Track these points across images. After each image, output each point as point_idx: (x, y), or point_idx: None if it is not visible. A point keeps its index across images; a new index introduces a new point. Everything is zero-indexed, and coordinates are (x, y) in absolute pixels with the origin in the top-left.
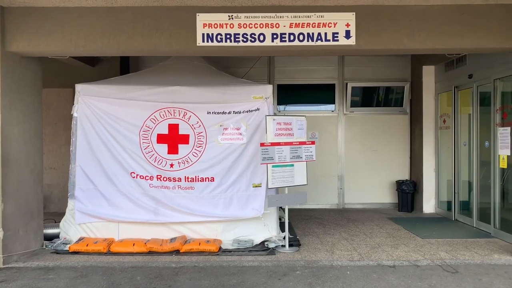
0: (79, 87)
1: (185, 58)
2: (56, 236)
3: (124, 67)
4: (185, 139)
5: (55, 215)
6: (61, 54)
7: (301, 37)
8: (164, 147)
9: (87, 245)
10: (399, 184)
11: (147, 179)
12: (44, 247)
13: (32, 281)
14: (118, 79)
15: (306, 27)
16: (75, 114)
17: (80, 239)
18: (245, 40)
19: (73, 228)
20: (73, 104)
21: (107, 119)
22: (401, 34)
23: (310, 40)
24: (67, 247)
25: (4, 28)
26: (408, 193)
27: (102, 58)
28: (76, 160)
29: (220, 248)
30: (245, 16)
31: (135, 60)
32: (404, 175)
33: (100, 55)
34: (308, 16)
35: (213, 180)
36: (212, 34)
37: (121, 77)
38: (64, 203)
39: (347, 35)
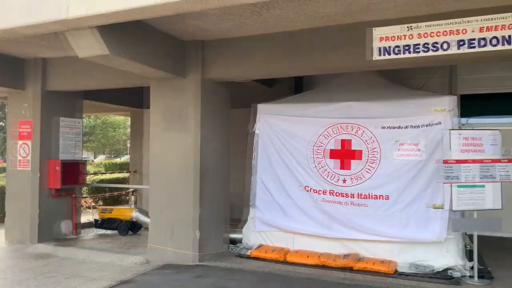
0: (260, 106)
1: (357, 73)
2: (238, 240)
3: (298, 87)
4: (358, 154)
5: (236, 222)
6: (246, 77)
7: (494, 41)
8: (336, 163)
9: (265, 252)
10: None
11: (320, 193)
12: (229, 249)
13: (221, 280)
14: (294, 97)
15: (501, 29)
16: (256, 131)
17: (259, 246)
18: (426, 50)
19: (253, 235)
20: (251, 122)
21: (283, 135)
22: None
23: (506, 43)
24: (248, 252)
25: (204, 59)
26: None
27: (278, 79)
28: (257, 172)
29: (396, 270)
30: (425, 25)
31: (309, 79)
32: None
33: (280, 76)
34: (503, 18)
35: (388, 198)
36: (389, 47)
37: (297, 96)
38: (243, 210)
39: None
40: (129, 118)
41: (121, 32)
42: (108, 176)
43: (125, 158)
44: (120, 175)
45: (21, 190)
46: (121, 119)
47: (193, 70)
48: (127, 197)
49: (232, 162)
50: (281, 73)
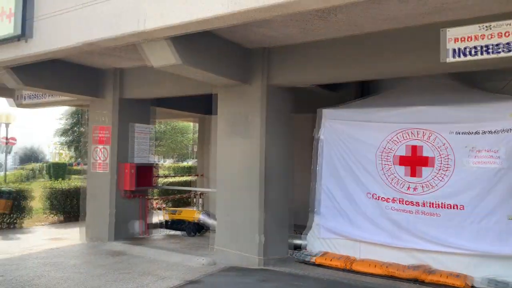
0: (324, 111)
1: (427, 77)
2: (301, 246)
3: (363, 91)
4: (429, 161)
5: (300, 228)
6: (311, 83)
7: None
8: (404, 169)
9: (330, 260)
10: None
11: (388, 201)
12: (293, 255)
13: (285, 285)
14: (359, 102)
15: None
16: (321, 137)
17: (324, 253)
18: (507, 50)
19: (317, 242)
20: (316, 127)
21: (349, 140)
22: None
23: None
24: (313, 259)
25: (269, 66)
26: None
27: (343, 84)
28: (321, 178)
29: (472, 286)
30: (506, 24)
31: (374, 83)
32: None
33: (344, 81)
34: None
35: (463, 208)
36: (465, 48)
37: (362, 100)
38: (306, 217)
39: None
40: (196, 124)
41: (191, 42)
42: (176, 179)
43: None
44: (188, 179)
45: (100, 191)
46: (188, 125)
47: (258, 77)
48: (194, 200)
49: (295, 167)
50: (347, 77)
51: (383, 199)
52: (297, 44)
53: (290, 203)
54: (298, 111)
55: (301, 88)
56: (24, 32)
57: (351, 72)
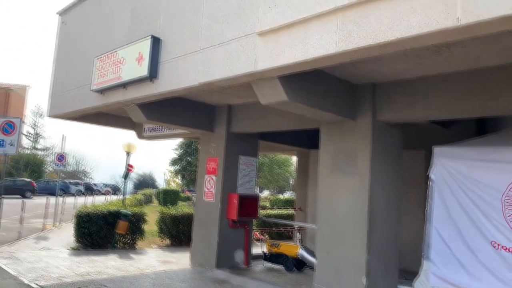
0: (436, 149)
1: None
2: None
3: (480, 128)
4: None
5: (405, 272)
6: (421, 119)
7: None
8: None
9: None
10: None
11: None
12: None
13: None
14: (477, 140)
15: None
16: (432, 176)
17: None
18: None
19: None
20: (430, 166)
21: (464, 181)
22: None
23: None
24: None
25: (375, 101)
26: None
27: (457, 120)
28: (432, 221)
29: None
30: None
31: (493, 120)
32: None
33: (461, 118)
34: None
35: None
36: None
37: (480, 138)
38: (414, 261)
39: None
40: (293, 156)
41: (298, 80)
42: (274, 211)
43: (287, 195)
44: (285, 212)
45: (206, 219)
46: (285, 157)
47: (364, 113)
48: (290, 233)
49: (404, 207)
50: (462, 114)
51: (506, 249)
52: (405, 80)
53: (397, 245)
54: (407, 147)
55: (410, 123)
56: (153, 74)
57: (467, 109)
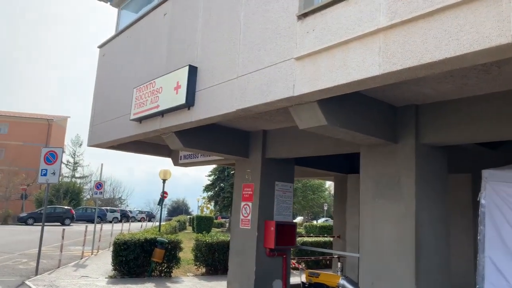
0: (485, 172)
1: None
2: None
3: None
4: None
5: None
6: (467, 141)
7: None
8: None
9: None
10: None
11: None
12: None
13: None
14: None
15: None
16: (482, 201)
17: None
18: None
19: None
20: (480, 190)
21: None
22: None
23: None
24: None
25: (418, 124)
26: None
27: (504, 141)
28: (484, 250)
29: None
30: None
31: None
32: None
33: (508, 139)
34: None
35: None
36: None
37: None
38: None
39: None
40: (327, 182)
41: (337, 103)
42: (310, 239)
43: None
44: (322, 239)
45: (242, 247)
46: (319, 182)
47: (406, 135)
48: (328, 262)
49: (453, 234)
50: (508, 135)
51: None
52: (450, 101)
53: (447, 275)
54: (452, 171)
55: (456, 146)
56: (190, 101)
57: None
